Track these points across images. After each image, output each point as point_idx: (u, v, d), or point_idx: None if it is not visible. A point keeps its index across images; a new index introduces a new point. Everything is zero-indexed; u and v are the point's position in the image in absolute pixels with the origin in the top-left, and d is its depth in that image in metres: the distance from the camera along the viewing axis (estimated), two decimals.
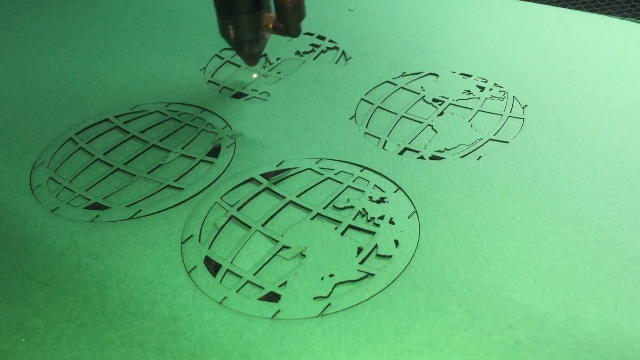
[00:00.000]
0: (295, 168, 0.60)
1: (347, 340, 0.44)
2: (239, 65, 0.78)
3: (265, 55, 0.80)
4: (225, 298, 0.48)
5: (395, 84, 0.72)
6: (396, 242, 0.51)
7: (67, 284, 0.50)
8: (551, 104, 0.66)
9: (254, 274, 0.50)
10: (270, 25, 0.62)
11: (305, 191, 0.58)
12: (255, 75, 0.73)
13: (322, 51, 0.80)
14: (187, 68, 0.78)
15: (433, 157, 0.61)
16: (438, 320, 0.45)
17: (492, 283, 0.47)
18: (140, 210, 0.57)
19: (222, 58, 0.80)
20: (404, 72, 0.74)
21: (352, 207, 0.55)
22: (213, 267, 0.51)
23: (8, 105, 0.72)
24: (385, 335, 0.44)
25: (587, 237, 0.50)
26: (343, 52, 0.80)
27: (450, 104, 0.68)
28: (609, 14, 0.83)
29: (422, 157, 0.61)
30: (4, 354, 0.44)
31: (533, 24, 0.83)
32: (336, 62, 0.77)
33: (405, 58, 0.77)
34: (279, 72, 0.76)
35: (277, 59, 0.79)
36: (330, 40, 0.82)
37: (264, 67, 0.78)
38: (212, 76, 0.77)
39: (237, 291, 0.48)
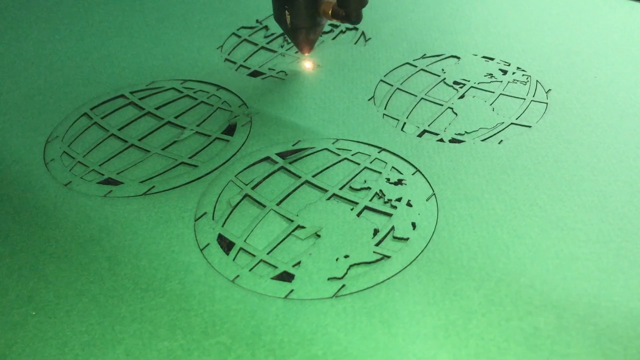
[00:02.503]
0: (312, 148, 0.59)
1: (362, 322, 0.43)
2: (256, 44, 0.77)
3: (284, 34, 0.78)
4: (238, 276, 0.47)
5: (416, 66, 0.71)
6: (413, 225, 0.50)
7: (78, 258, 0.49)
8: (575, 89, 0.64)
9: (268, 253, 0.49)
10: (329, 11, 0.61)
11: (321, 171, 0.57)
12: (309, 65, 0.71)
13: (342, 31, 0.79)
14: (204, 46, 0.77)
15: (453, 140, 0.59)
16: (455, 305, 0.44)
17: (512, 269, 0.46)
18: (153, 187, 0.56)
19: (239, 36, 0.79)
20: (425, 54, 0.73)
21: (369, 188, 0.54)
22: (226, 245, 0.50)
23: (24, 79, 0.72)
24: (401, 319, 0.43)
25: (611, 224, 0.49)
26: (363, 33, 0.78)
27: (471, 86, 0.67)
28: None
29: (441, 140, 0.60)
30: (15, 327, 0.44)
31: (558, 6, 0.80)
32: (355, 43, 0.76)
33: (426, 40, 0.75)
34: (297, 52, 0.75)
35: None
36: None
37: (281, 47, 0.76)
38: (229, 54, 0.76)
39: (250, 270, 0.47)
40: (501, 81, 0.67)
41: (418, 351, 0.40)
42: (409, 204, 0.53)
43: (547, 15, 0.79)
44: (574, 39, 0.74)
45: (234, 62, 0.74)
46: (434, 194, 0.53)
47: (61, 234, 0.51)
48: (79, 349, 0.42)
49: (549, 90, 0.65)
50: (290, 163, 0.58)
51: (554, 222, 0.50)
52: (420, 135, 0.61)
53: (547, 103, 0.63)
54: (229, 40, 0.79)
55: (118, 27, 0.82)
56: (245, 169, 0.58)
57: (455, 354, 0.40)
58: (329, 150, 0.59)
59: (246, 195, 0.55)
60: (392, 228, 0.50)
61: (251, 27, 0.81)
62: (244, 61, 0.74)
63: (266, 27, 0.81)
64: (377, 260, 0.48)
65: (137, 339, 0.43)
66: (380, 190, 0.54)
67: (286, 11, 0.62)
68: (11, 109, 0.67)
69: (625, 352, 0.40)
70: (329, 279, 0.46)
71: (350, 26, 0.80)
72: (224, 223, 0.52)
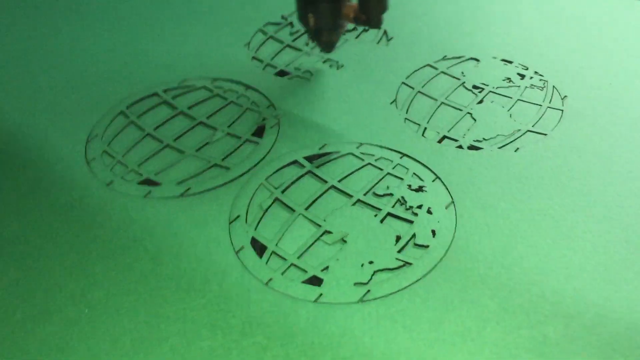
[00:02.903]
0: (337, 152, 0.63)
1: (385, 327, 0.47)
2: (281, 42, 0.80)
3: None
4: (271, 279, 0.51)
5: (436, 68, 0.74)
6: (433, 232, 0.54)
7: (123, 258, 0.53)
8: (591, 96, 0.67)
9: (298, 257, 0.53)
10: (352, 15, 0.63)
11: (346, 176, 0.60)
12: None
13: (364, 30, 0.81)
14: (232, 43, 0.80)
15: (471, 147, 0.63)
16: (471, 312, 0.48)
17: (525, 278, 0.50)
18: (189, 189, 0.60)
19: (265, 33, 0.82)
20: (445, 56, 0.75)
21: (391, 194, 0.58)
22: (259, 248, 0.54)
23: (60, 75, 0.75)
24: (421, 324, 0.47)
25: (617, 236, 0.53)
26: (385, 32, 0.81)
27: (490, 91, 0.70)
28: None
29: (460, 147, 0.63)
30: (70, 323, 0.48)
31: (580, 9, 0.82)
32: (378, 42, 0.79)
33: (447, 40, 0.78)
34: (321, 51, 0.77)
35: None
36: None
37: (307, 45, 0.79)
38: (256, 52, 0.79)
39: (282, 273, 0.52)
40: (519, 86, 0.70)
41: (437, 356, 0.45)
42: (429, 211, 0.56)
43: (567, 18, 0.81)
44: (593, 43, 0.76)
45: (261, 61, 0.77)
46: (453, 202, 0.57)
47: (106, 234, 0.56)
48: (129, 346, 0.47)
49: (565, 96, 0.68)
50: (317, 167, 0.61)
51: (564, 232, 0.53)
52: (440, 141, 0.64)
53: (562, 110, 0.66)
54: (255, 37, 0.81)
55: (146, 21, 0.85)
56: (274, 172, 0.61)
57: (470, 359, 0.44)
58: (353, 154, 0.63)
59: (276, 199, 0.58)
60: (414, 235, 0.54)
61: (277, 24, 0.84)
62: (271, 60, 0.77)
63: (291, 24, 0.83)
64: (400, 267, 0.52)
65: (181, 337, 0.47)
66: (402, 197, 0.58)
67: (309, 14, 0.65)
68: (50, 106, 0.71)
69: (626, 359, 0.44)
70: (355, 284, 0.50)
71: None
72: (257, 226, 0.56)
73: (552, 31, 0.78)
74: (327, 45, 0.70)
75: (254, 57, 0.78)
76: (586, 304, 0.48)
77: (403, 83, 0.72)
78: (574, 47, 0.75)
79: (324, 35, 0.69)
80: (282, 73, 0.75)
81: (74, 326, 0.48)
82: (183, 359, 0.46)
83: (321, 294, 0.50)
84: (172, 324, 0.48)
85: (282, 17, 0.85)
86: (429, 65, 0.74)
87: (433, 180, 0.59)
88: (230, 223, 0.56)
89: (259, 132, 0.66)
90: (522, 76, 0.72)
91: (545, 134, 0.64)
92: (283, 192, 0.59)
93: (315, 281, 0.51)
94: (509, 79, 0.71)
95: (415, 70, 0.74)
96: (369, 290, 0.50)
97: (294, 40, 0.80)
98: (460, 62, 0.75)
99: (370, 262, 0.52)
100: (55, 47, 0.81)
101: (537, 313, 0.47)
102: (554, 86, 0.70)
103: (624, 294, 0.48)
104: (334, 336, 0.47)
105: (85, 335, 0.48)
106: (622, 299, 0.48)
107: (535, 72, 0.72)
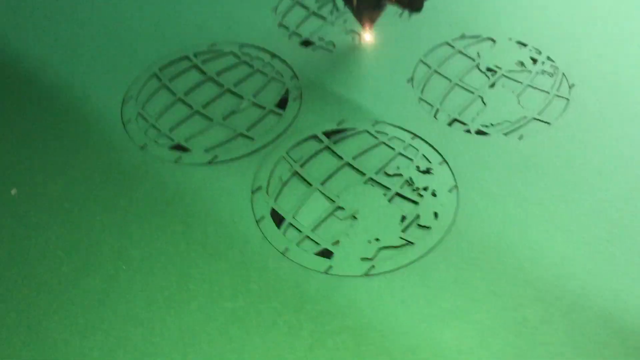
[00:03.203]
0: (354, 129, 0.68)
1: (386, 301, 0.53)
2: (307, 8, 0.83)
3: (334, 1, 0.84)
4: (287, 249, 0.57)
5: (454, 47, 0.77)
6: (435, 214, 0.60)
7: (157, 219, 0.60)
8: (597, 86, 0.71)
9: (312, 230, 0.59)
10: None
11: (360, 154, 0.65)
12: (368, 38, 0.78)
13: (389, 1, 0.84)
14: (260, 5, 0.83)
15: (479, 132, 0.67)
16: (463, 292, 0.54)
17: (514, 263, 0.56)
18: (216, 156, 0.65)
19: None
20: (463, 34, 0.79)
21: (400, 175, 0.63)
22: (278, 219, 0.60)
23: (97, 32, 0.79)
24: (417, 301, 0.53)
25: (603, 229, 0.58)
26: None
27: (502, 74, 0.73)
28: None
29: (468, 131, 0.67)
30: (110, 278, 0.55)
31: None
32: (400, 16, 0.81)
33: (466, 18, 0.80)
34: (345, 21, 0.81)
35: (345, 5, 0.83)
36: None
37: (331, 13, 0.83)
38: (283, 18, 0.82)
39: (297, 244, 0.58)
40: (530, 71, 0.74)
41: (428, 330, 0.52)
42: (434, 194, 0.62)
43: (588, 6, 0.83)
44: (609, 33, 0.78)
45: (287, 28, 0.81)
46: (457, 186, 0.62)
47: (141, 197, 0.62)
48: (162, 302, 0.54)
49: (573, 85, 0.72)
50: (334, 143, 0.66)
51: (555, 222, 0.59)
52: (450, 124, 0.68)
53: (568, 99, 0.70)
54: (283, 2, 0.84)
55: None
56: (295, 145, 0.66)
57: (457, 335, 0.51)
58: (368, 132, 0.67)
59: (295, 173, 0.64)
60: (417, 216, 0.60)
61: None
62: (296, 28, 0.81)
63: None
64: (403, 245, 0.58)
65: (206, 297, 0.54)
66: (410, 178, 0.63)
67: None
68: (89, 62, 0.75)
69: (592, 345, 0.50)
70: (361, 259, 0.57)
71: None
72: (276, 198, 0.62)
73: (571, 17, 0.80)
74: (367, 22, 0.74)
75: (280, 24, 0.81)
76: (564, 291, 0.54)
77: (421, 61, 0.75)
78: (590, 35, 0.78)
79: (366, 14, 0.72)
80: (306, 43, 0.79)
81: (113, 281, 0.55)
82: (208, 317, 0.53)
83: (331, 266, 0.56)
84: (199, 284, 0.55)
85: None
86: (447, 43, 0.78)
87: (440, 163, 0.64)
88: (252, 193, 0.62)
89: (283, 103, 0.71)
90: (535, 60, 0.75)
91: (549, 123, 0.68)
92: (302, 166, 0.65)
93: (326, 253, 0.58)
94: (521, 62, 0.75)
95: (433, 48, 0.77)
96: (373, 266, 0.56)
97: (320, 8, 0.83)
98: (478, 41, 0.78)
99: (377, 240, 0.58)
100: (92, 5, 0.84)
101: (521, 297, 0.54)
102: (563, 73, 0.73)
103: (601, 284, 0.54)
104: (339, 306, 0.53)
105: (122, 290, 0.55)
106: (598, 289, 0.54)
107: (548, 57, 0.75)
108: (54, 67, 0.75)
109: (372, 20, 0.73)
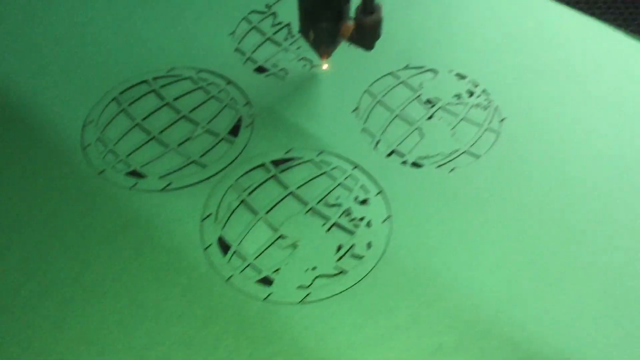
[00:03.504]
0: (300, 158, 0.73)
1: (318, 327, 0.59)
2: (263, 34, 0.88)
3: (289, 24, 0.88)
4: (231, 276, 0.63)
5: (398, 77, 0.82)
6: (369, 245, 0.66)
7: (111, 245, 0.65)
8: (528, 120, 0.77)
9: (255, 258, 0.64)
10: (347, 36, 0.71)
11: (305, 183, 0.71)
12: (325, 67, 0.83)
13: None
14: (218, 30, 0.87)
15: (414, 164, 0.73)
16: (387, 320, 0.60)
17: (435, 292, 0.62)
18: (170, 183, 0.70)
19: (250, 22, 0.89)
20: (408, 65, 0.84)
21: (340, 205, 0.69)
22: (224, 246, 0.65)
23: (61, 53, 0.83)
24: (345, 328, 0.59)
25: (525, 258, 0.64)
26: None
27: (440, 107, 0.79)
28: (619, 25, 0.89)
29: (405, 162, 0.73)
30: (65, 303, 0.60)
31: (545, 26, 0.89)
32: (349, 45, 0.86)
33: (411, 49, 0.86)
34: (298, 48, 0.86)
35: (299, 31, 0.88)
36: None
37: (285, 40, 0.87)
38: (239, 43, 0.86)
39: (240, 272, 0.63)
40: (466, 104, 0.79)
41: (353, 355, 0.58)
42: (368, 224, 0.68)
43: (530, 33, 0.88)
44: (547, 67, 0.83)
45: (243, 53, 0.85)
46: (391, 217, 0.68)
47: (97, 222, 0.67)
48: (114, 326, 0.59)
49: (504, 119, 0.78)
50: (281, 172, 0.72)
51: (476, 253, 0.65)
52: (389, 155, 0.74)
53: (499, 133, 0.76)
54: (240, 26, 0.89)
55: (138, 1, 0.92)
56: (244, 173, 0.72)
57: None
58: (313, 162, 0.73)
59: (243, 201, 0.69)
60: (352, 246, 0.66)
61: (261, 12, 0.91)
62: (252, 53, 0.85)
63: (274, 14, 0.90)
64: (337, 274, 0.64)
65: (155, 322, 0.59)
66: (349, 208, 0.69)
67: (310, 31, 0.73)
68: (50, 85, 0.79)
69: None
70: (298, 287, 0.62)
71: None
72: (224, 226, 0.67)
73: (510, 51, 0.86)
74: (324, 54, 0.79)
75: (237, 49, 0.86)
76: (479, 319, 0.60)
77: (366, 91, 0.81)
78: (527, 65, 0.83)
79: (322, 49, 0.77)
80: (260, 69, 0.83)
81: (69, 305, 0.60)
82: (155, 341, 0.58)
83: (270, 293, 0.62)
84: (148, 309, 0.60)
85: (266, 6, 0.92)
86: (392, 73, 0.83)
87: (377, 194, 0.70)
88: (202, 221, 0.67)
89: (235, 130, 0.76)
90: (471, 94, 0.81)
91: (479, 156, 0.74)
92: (250, 194, 0.70)
93: (267, 281, 0.63)
94: (458, 95, 0.80)
95: (380, 78, 0.82)
96: (309, 293, 0.62)
97: (275, 33, 0.88)
98: (420, 72, 0.83)
99: (314, 268, 0.64)
100: (54, 28, 0.88)
101: (439, 324, 0.60)
102: (496, 107, 0.79)
103: (512, 312, 0.61)
104: (276, 332, 0.59)
105: (78, 314, 0.60)
106: (509, 317, 0.60)
107: (484, 91, 0.81)
108: (17, 88, 0.79)
109: (329, 53, 0.78)
